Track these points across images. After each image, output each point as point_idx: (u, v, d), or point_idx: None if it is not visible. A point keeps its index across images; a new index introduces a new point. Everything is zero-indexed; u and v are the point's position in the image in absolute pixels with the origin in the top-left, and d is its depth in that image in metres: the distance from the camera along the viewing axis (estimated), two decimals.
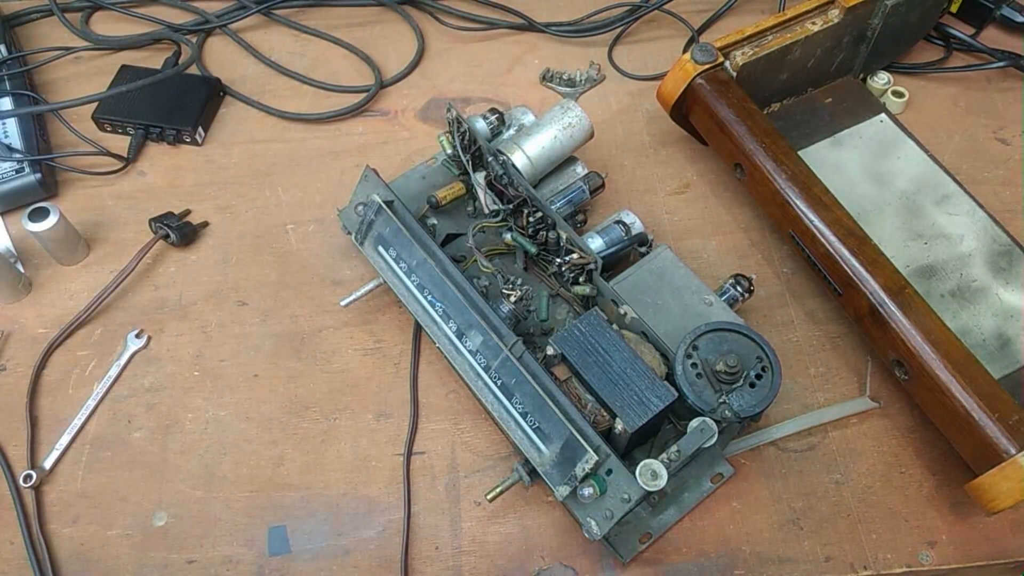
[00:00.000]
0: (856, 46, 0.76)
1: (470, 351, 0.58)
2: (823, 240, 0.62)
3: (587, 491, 0.52)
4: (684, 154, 0.79)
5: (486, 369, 0.57)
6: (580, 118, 0.69)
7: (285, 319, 0.69)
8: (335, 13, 0.91)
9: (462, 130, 0.66)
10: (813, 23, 0.71)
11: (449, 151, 0.68)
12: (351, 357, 0.67)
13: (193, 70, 0.84)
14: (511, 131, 0.71)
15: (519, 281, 0.65)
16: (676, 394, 0.54)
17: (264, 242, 0.73)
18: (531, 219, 0.63)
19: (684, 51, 0.84)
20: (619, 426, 0.53)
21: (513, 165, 0.65)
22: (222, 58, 0.87)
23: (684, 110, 0.73)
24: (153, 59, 0.86)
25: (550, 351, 0.56)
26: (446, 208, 0.69)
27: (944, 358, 0.56)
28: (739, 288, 0.64)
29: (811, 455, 0.62)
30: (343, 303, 0.65)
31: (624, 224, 0.66)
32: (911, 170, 0.74)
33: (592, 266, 0.60)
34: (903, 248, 0.69)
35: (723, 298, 0.63)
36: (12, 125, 0.76)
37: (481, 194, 0.66)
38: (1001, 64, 0.82)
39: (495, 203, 0.66)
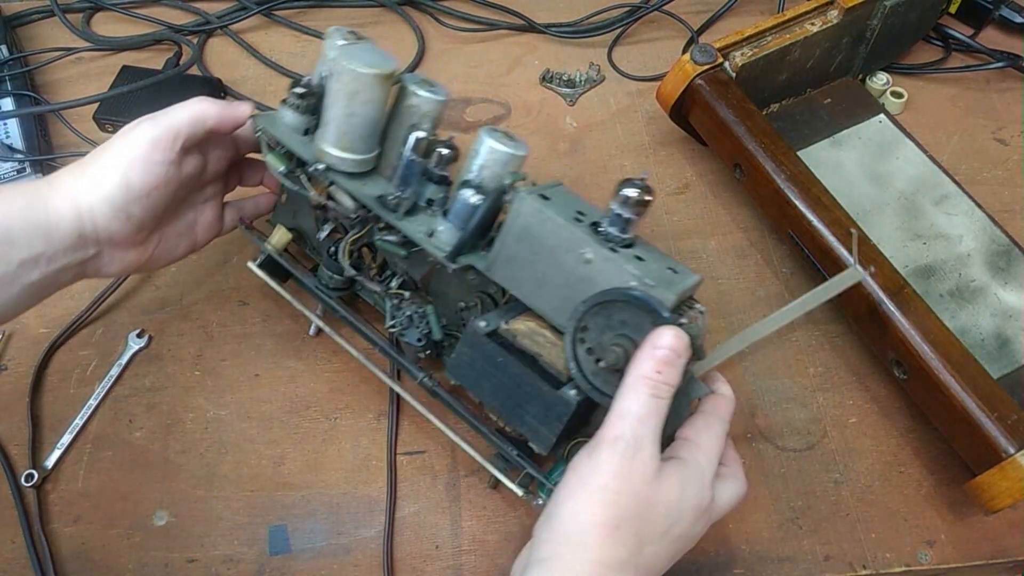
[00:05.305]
0: (855, 47, 0.76)
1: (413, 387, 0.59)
2: (822, 240, 0.62)
3: (538, 502, 0.53)
4: (684, 154, 0.79)
5: (435, 396, 0.58)
6: (354, 76, 0.49)
7: (286, 319, 0.69)
8: (335, 14, 0.91)
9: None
10: (812, 24, 0.72)
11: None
12: (352, 357, 0.67)
13: (194, 71, 0.84)
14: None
15: (401, 307, 0.59)
16: (575, 402, 0.47)
17: None
18: (352, 245, 0.56)
19: (683, 52, 0.84)
20: (535, 448, 0.50)
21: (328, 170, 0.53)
22: (223, 59, 0.87)
23: (684, 111, 0.74)
24: (154, 60, 0.86)
25: (453, 382, 0.52)
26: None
27: (943, 358, 0.56)
28: (627, 206, 0.45)
29: (810, 454, 0.62)
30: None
31: (472, 186, 0.50)
32: (910, 170, 0.74)
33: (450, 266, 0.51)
34: (902, 248, 0.69)
35: (610, 229, 0.47)
36: (13, 125, 0.76)
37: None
38: (1000, 65, 0.82)
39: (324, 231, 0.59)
